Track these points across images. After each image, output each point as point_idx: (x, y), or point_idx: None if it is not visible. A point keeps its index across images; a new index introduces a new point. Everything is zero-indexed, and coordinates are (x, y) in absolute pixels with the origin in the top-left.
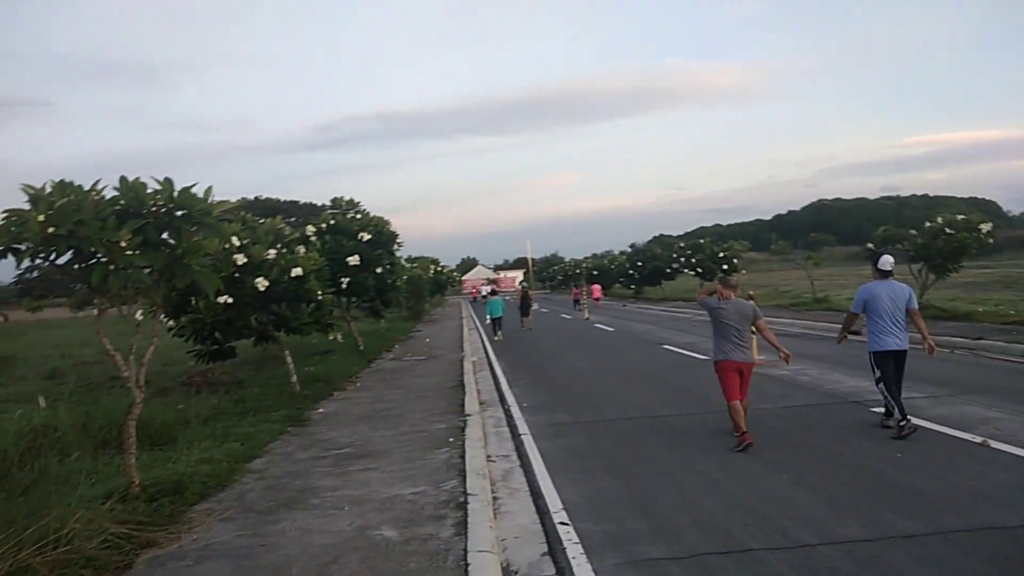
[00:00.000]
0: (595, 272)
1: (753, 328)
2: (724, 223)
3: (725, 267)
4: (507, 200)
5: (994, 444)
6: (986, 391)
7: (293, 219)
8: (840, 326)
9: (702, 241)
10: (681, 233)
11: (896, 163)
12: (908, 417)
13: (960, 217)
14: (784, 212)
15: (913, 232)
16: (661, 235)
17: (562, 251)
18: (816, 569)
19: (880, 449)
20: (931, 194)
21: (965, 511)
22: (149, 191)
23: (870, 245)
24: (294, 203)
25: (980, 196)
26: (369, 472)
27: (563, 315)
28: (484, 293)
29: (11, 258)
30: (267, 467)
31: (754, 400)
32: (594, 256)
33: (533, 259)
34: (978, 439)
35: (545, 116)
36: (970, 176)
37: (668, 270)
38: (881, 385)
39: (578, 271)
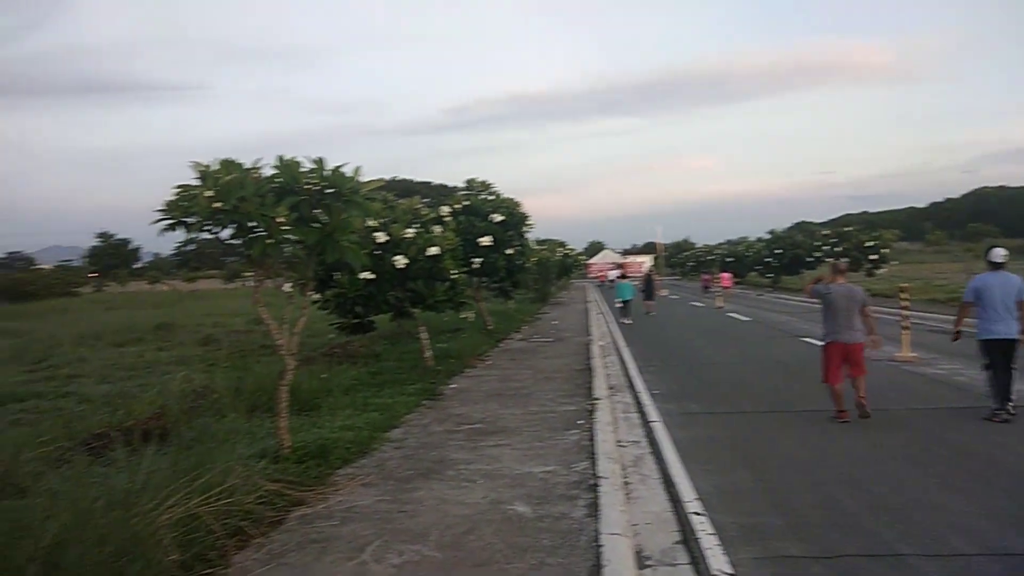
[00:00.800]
0: (729, 259)
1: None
2: (872, 210)
3: (873, 257)
4: (637, 183)
5: None
6: None
7: (427, 199)
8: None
9: (848, 229)
10: (824, 220)
11: None
12: (1007, 407)
13: None
14: (940, 200)
15: None
16: (802, 222)
17: (694, 237)
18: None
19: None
20: None
21: None
22: (303, 170)
23: None
24: (428, 184)
25: None
26: (500, 448)
27: (694, 302)
28: (612, 278)
29: (180, 231)
30: (404, 437)
31: (905, 400)
32: (728, 242)
33: (663, 244)
34: None
35: (680, 96)
36: None
37: (809, 259)
38: (988, 372)
39: (710, 257)
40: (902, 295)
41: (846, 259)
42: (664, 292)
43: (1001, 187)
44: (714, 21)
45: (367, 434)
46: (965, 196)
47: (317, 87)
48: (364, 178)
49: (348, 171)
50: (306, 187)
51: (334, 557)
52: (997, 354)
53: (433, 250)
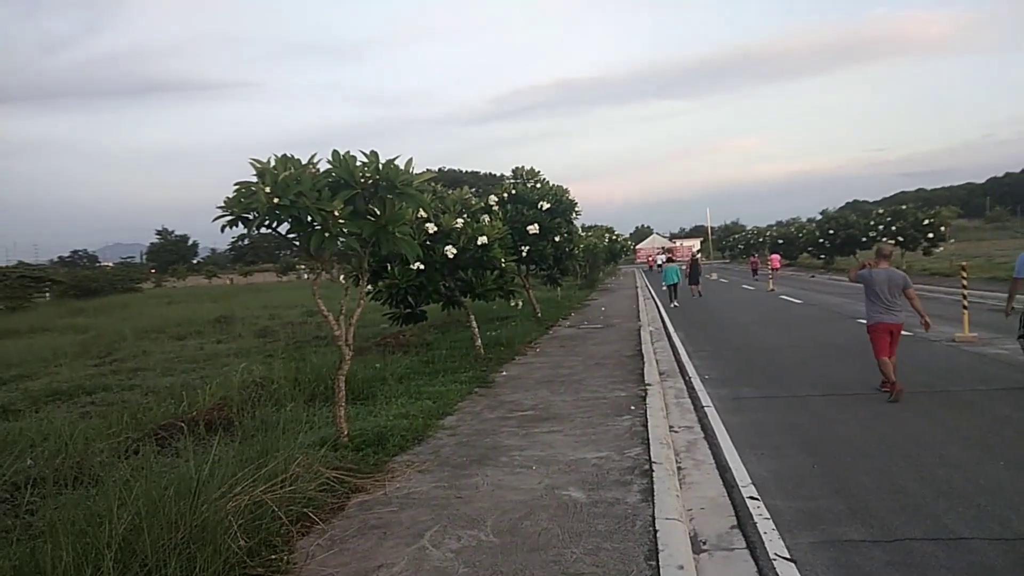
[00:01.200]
0: (780, 241)
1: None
2: (928, 187)
3: (931, 235)
4: (685, 166)
5: None
6: None
7: (475, 189)
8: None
9: (904, 207)
10: (879, 199)
11: None
12: None
13: None
14: (1000, 175)
15: None
16: (855, 201)
17: (743, 219)
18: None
19: None
20: None
21: None
22: (357, 164)
23: None
24: (475, 173)
25: None
26: (553, 435)
27: (744, 285)
28: (660, 262)
29: (240, 227)
30: (458, 424)
31: (966, 381)
32: (779, 224)
33: (712, 227)
34: None
35: (728, 77)
36: None
37: (864, 239)
38: (1021, 341)
39: (760, 240)
40: (962, 273)
41: (891, 242)
42: (714, 276)
43: None
44: (762, 0)
45: (421, 421)
46: None
47: (367, 81)
48: (415, 170)
49: (400, 164)
50: (360, 181)
51: (394, 542)
52: None
53: (482, 239)
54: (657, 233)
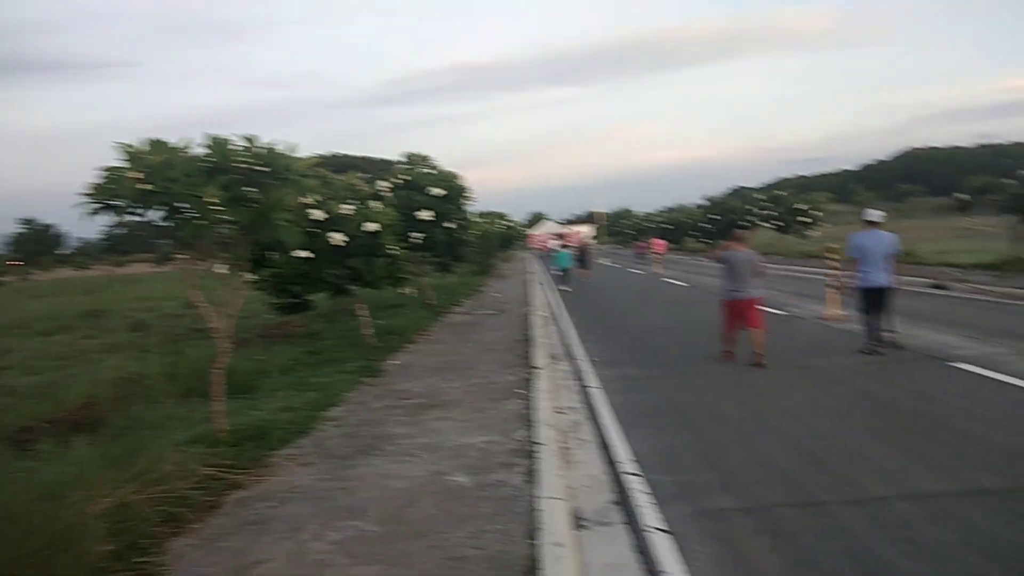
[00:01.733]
0: (668, 226)
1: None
2: (808, 174)
3: (804, 220)
4: (578, 153)
5: None
6: None
7: (369, 175)
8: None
9: (782, 193)
10: (761, 185)
11: (995, 109)
12: (876, 344)
13: None
14: (873, 162)
15: (1011, 182)
16: (740, 187)
17: (634, 205)
18: (889, 523)
19: (960, 405)
20: None
21: None
22: (235, 148)
23: (961, 196)
24: (367, 158)
25: None
26: (441, 421)
27: (632, 270)
28: (554, 248)
29: (108, 214)
30: (344, 416)
31: (826, 353)
32: (667, 210)
33: (604, 213)
34: None
35: (622, 65)
36: None
37: (745, 224)
38: (864, 315)
39: (649, 225)
40: (827, 255)
41: (744, 228)
42: (605, 261)
43: (931, 148)
44: None
45: (306, 414)
46: (896, 158)
47: (258, 63)
48: (299, 155)
49: (282, 148)
50: (238, 165)
51: (272, 537)
52: (874, 300)
53: (371, 226)
54: (551, 219)
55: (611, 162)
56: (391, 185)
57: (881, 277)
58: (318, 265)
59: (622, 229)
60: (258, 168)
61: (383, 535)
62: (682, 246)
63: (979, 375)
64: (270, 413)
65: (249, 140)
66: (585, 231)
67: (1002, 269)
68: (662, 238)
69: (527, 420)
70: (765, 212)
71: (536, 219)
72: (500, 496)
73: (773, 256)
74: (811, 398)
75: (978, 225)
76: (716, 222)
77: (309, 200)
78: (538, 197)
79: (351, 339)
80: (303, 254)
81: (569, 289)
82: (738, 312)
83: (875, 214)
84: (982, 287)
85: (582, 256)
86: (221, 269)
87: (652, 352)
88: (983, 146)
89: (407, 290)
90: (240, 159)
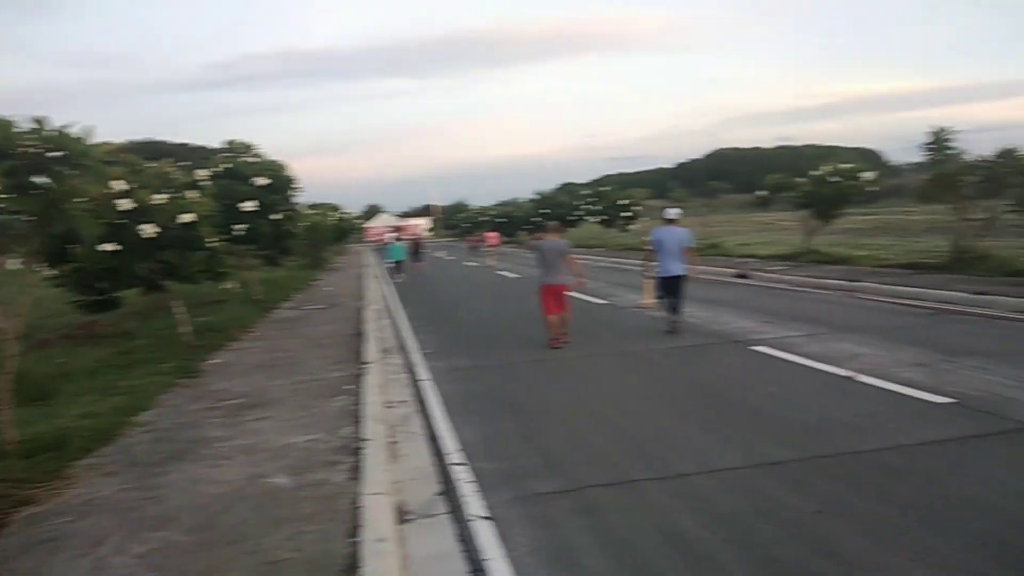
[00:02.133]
0: (501, 220)
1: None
2: (630, 171)
3: (626, 215)
4: (414, 146)
5: (860, 378)
6: (858, 329)
7: (188, 163)
8: (700, 267)
9: (605, 189)
10: (587, 181)
11: (792, 114)
12: (675, 324)
13: (844, 165)
14: (686, 160)
15: (802, 180)
16: (568, 183)
17: (470, 199)
18: (691, 496)
19: (758, 385)
20: (822, 144)
21: (830, 438)
22: (20, 131)
23: (761, 193)
24: (183, 145)
25: (866, 146)
26: (263, 421)
27: (467, 263)
28: (388, 241)
29: None
30: (155, 420)
31: (642, 340)
32: (501, 204)
33: (440, 207)
34: (845, 373)
35: (458, 59)
36: (857, 127)
37: (572, 217)
38: (663, 300)
39: (484, 219)
40: (644, 247)
41: (555, 221)
42: (442, 254)
43: (736, 148)
44: None
45: (112, 419)
46: (706, 157)
47: (62, 38)
48: (104, 139)
49: (78, 132)
50: (25, 150)
51: (67, 555)
52: (671, 287)
53: (187, 217)
54: (388, 212)
55: (447, 155)
56: (211, 174)
57: (676, 267)
58: (127, 259)
59: (458, 223)
60: (49, 153)
61: (194, 544)
62: (515, 239)
63: (775, 357)
64: (71, 420)
65: (39, 122)
66: (422, 224)
67: (796, 259)
68: (495, 231)
69: (355, 416)
70: (591, 207)
71: (373, 211)
72: (322, 495)
73: (597, 248)
74: (627, 382)
75: (776, 220)
76: (547, 216)
77: (115, 189)
78: (376, 189)
79: (167, 338)
80: (109, 247)
81: (402, 279)
82: (552, 296)
83: (672, 212)
84: (779, 276)
85: (416, 249)
86: (13, 264)
87: (483, 342)
88: (781, 147)
89: (229, 285)
90: (27, 143)
